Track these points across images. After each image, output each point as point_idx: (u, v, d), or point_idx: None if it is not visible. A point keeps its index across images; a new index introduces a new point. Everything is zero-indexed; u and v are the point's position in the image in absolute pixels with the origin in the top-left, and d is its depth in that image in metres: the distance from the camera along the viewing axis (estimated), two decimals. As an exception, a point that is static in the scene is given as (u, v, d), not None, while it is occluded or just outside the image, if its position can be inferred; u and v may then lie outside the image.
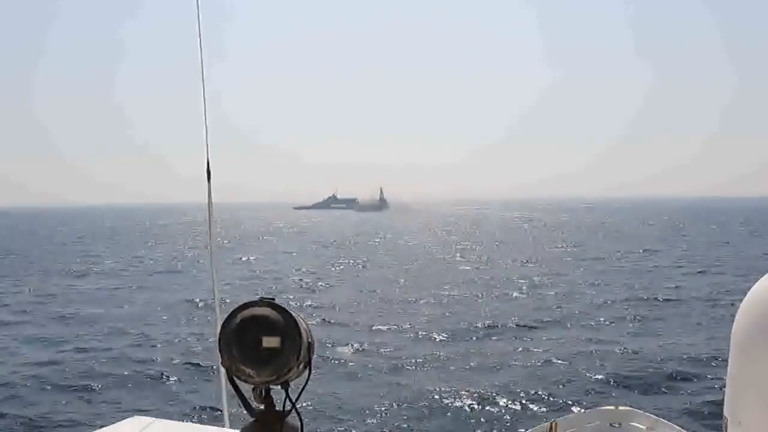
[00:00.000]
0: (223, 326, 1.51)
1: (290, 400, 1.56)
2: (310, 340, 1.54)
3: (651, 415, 3.17)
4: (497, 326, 19.41)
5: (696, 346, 17.19)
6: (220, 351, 1.50)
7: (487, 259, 39.81)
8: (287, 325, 1.49)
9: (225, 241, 58.85)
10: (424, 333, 18.55)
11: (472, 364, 15.39)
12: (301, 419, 1.59)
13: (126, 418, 2.48)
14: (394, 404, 12.48)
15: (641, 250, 43.50)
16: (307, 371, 1.56)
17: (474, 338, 18.12)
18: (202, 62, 1.60)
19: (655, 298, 24.34)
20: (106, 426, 2.40)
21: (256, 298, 1.53)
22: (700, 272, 31.99)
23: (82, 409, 12.26)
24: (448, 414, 12.23)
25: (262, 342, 1.47)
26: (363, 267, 37.10)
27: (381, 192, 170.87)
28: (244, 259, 42.35)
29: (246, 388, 1.57)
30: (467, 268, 35.99)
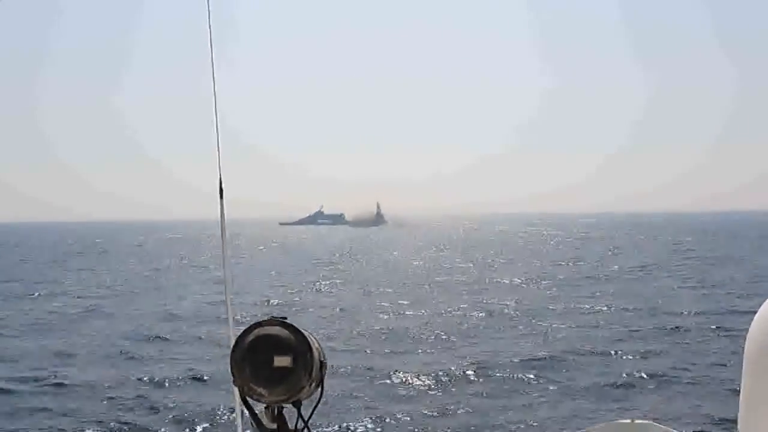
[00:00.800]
0: (235, 345, 1.58)
1: (302, 419, 1.63)
2: (322, 359, 1.61)
3: (669, 429, 3.22)
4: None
5: (709, 358, 17.70)
6: (232, 370, 1.58)
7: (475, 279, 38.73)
8: (299, 344, 1.56)
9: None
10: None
11: (481, 379, 15.67)
12: None
13: None
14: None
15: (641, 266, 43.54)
16: (319, 390, 1.62)
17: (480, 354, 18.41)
18: (214, 80, 1.66)
19: (670, 312, 24.70)
20: None
21: (267, 317, 1.60)
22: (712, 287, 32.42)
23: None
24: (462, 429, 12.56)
25: (274, 361, 1.54)
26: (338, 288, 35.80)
27: (378, 206, 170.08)
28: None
29: (258, 407, 1.63)
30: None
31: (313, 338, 1.60)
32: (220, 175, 1.75)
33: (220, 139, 1.75)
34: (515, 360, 17.05)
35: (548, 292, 31.50)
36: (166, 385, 15.25)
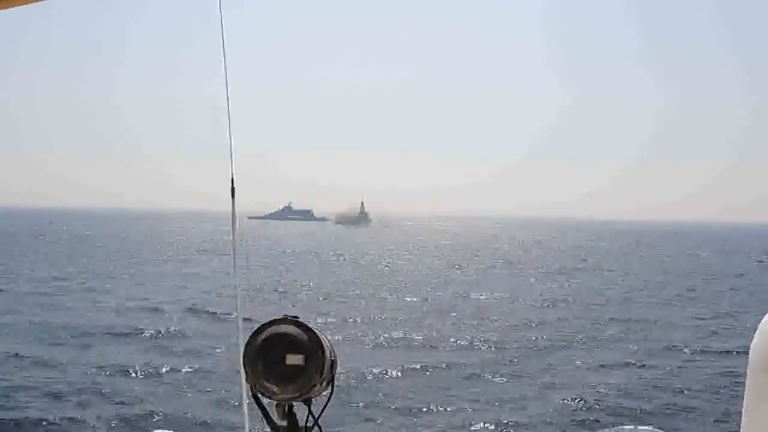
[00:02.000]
0: (248, 343, 1.67)
1: (313, 416, 1.72)
2: (333, 357, 1.70)
3: None
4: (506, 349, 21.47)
5: (714, 365, 19.09)
6: (244, 367, 1.66)
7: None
8: (311, 343, 1.65)
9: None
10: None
11: (480, 389, 16.86)
12: None
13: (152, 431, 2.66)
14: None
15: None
16: (330, 388, 1.71)
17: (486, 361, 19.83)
18: (227, 82, 1.75)
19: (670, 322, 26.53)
20: None
21: (281, 315, 1.70)
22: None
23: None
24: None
25: (286, 359, 1.63)
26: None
27: (362, 205, 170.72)
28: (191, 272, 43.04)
29: (269, 405, 1.72)
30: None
31: (324, 337, 1.69)
32: (232, 175, 1.86)
33: (233, 140, 1.88)
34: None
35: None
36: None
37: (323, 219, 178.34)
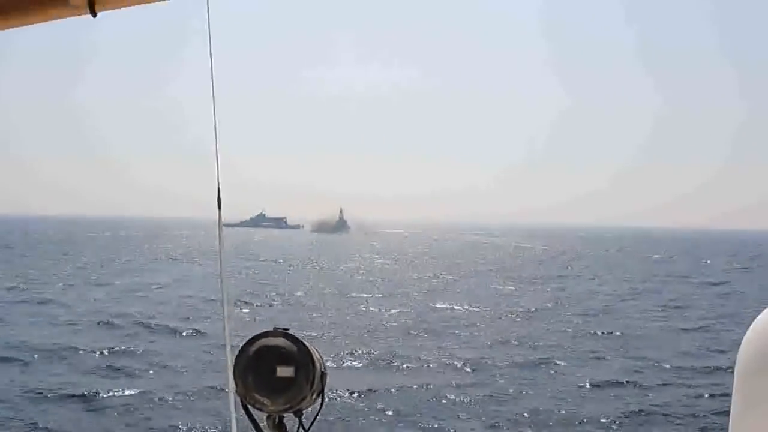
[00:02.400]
0: (238, 355, 1.72)
1: (304, 428, 1.78)
2: (323, 369, 1.75)
3: None
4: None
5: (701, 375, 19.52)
6: (234, 379, 1.71)
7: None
8: (301, 355, 1.70)
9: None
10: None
11: (482, 395, 17.27)
12: None
13: None
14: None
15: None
16: (320, 400, 1.76)
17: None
18: (213, 87, 1.77)
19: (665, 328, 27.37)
20: None
21: (270, 328, 1.74)
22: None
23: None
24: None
25: (276, 371, 1.69)
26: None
27: (341, 212, 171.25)
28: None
29: (259, 416, 1.76)
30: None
31: (313, 349, 1.75)
32: (218, 184, 1.86)
33: (218, 150, 1.88)
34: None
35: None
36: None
37: (297, 226, 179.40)
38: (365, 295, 37.22)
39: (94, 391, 16.63)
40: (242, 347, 1.73)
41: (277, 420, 1.76)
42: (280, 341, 1.72)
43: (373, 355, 21.44)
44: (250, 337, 1.73)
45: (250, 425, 1.78)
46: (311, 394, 1.73)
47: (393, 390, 17.34)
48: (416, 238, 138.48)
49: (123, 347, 21.63)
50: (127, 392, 16.70)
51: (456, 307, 33.03)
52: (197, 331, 24.53)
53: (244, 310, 29.96)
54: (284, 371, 1.69)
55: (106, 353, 20.88)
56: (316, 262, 63.67)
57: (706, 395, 17.27)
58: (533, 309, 32.51)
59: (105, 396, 16.35)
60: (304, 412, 1.76)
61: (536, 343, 23.87)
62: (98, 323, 26.03)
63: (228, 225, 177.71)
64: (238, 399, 1.74)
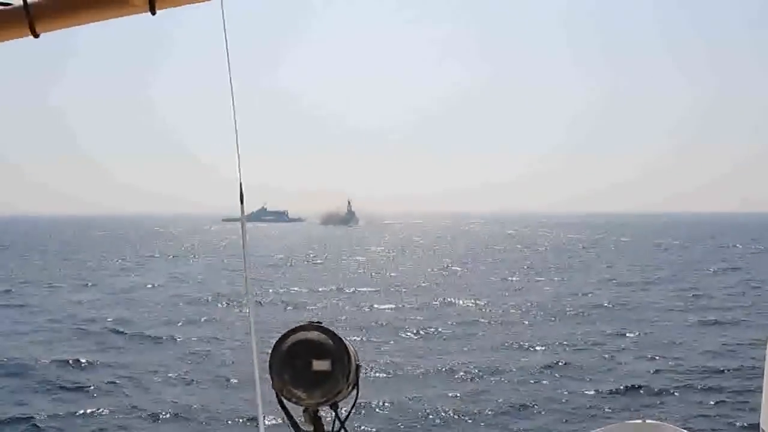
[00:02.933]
0: (274, 350, 1.81)
1: (340, 420, 1.87)
2: (357, 362, 1.85)
3: (680, 429, 3.56)
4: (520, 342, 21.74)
5: (730, 356, 19.38)
6: (270, 374, 1.80)
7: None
8: (336, 349, 1.78)
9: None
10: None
11: (494, 379, 17.38)
12: None
13: None
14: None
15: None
16: (355, 392, 1.86)
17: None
18: (231, 86, 1.79)
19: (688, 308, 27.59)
20: None
21: (305, 322, 1.82)
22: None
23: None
24: (472, 423, 13.98)
25: (312, 365, 1.77)
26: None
27: (349, 204, 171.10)
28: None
29: (295, 410, 1.85)
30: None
31: (348, 342, 1.82)
32: (240, 182, 1.91)
33: (239, 149, 1.93)
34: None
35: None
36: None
37: (299, 219, 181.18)
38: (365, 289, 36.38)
39: (27, 414, 14.71)
40: (277, 342, 1.81)
41: (313, 413, 1.84)
42: (315, 335, 1.80)
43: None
44: (284, 332, 1.82)
45: (286, 419, 1.85)
46: (347, 386, 1.81)
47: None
48: (425, 229, 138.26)
49: (85, 360, 19.59)
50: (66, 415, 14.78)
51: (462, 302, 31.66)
52: (172, 339, 23.05)
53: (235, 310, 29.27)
54: (320, 365, 1.77)
55: (67, 366, 19.05)
56: (315, 257, 63.24)
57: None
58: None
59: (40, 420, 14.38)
60: (339, 404, 1.84)
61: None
62: (70, 330, 24.71)
63: (229, 219, 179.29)
64: (273, 393, 1.83)
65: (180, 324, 25.97)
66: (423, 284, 39.33)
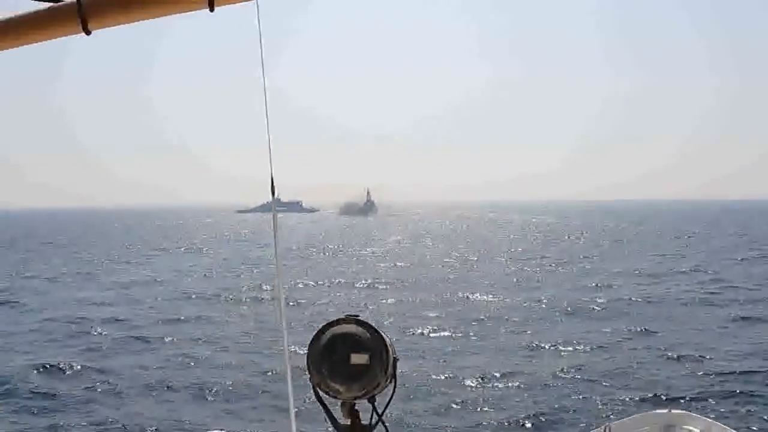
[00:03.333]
0: (312, 343, 1.83)
1: (378, 413, 1.89)
2: (395, 355, 1.87)
3: (705, 419, 3.58)
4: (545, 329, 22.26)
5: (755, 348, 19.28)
6: (308, 367, 1.82)
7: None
8: (374, 342, 1.81)
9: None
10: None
11: (524, 368, 17.60)
12: None
13: None
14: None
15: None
16: (392, 385, 1.88)
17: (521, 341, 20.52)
18: (264, 83, 1.82)
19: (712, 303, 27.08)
20: None
21: (342, 315, 1.85)
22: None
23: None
24: (503, 415, 14.10)
25: (350, 359, 1.79)
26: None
27: (368, 194, 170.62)
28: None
29: (331, 404, 1.87)
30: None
31: (385, 335, 1.84)
32: (271, 173, 1.93)
33: (270, 141, 1.95)
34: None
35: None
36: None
37: (311, 210, 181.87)
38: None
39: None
40: (315, 335, 1.84)
41: (350, 407, 1.86)
42: (353, 328, 1.82)
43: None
44: (321, 326, 1.85)
45: (323, 412, 1.87)
46: (385, 380, 1.83)
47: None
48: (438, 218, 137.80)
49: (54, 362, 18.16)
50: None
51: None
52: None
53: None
54: (358, 358, 1.79)
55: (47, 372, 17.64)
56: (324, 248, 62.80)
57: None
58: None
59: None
60: (376, 398, 1.86)
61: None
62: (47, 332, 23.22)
63: (243, 211, 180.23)
64: (311, 387, 1.85)
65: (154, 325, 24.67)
66: (436, 277, 38.23)
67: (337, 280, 36.78)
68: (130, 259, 52.16)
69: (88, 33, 1.46)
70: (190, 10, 1.47)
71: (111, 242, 73.14)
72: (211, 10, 1.44)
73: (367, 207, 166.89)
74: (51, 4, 1.48)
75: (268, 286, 33.02)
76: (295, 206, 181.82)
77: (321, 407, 1.88)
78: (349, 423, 1.88)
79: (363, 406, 1.89)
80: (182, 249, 63.76)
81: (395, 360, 1.86)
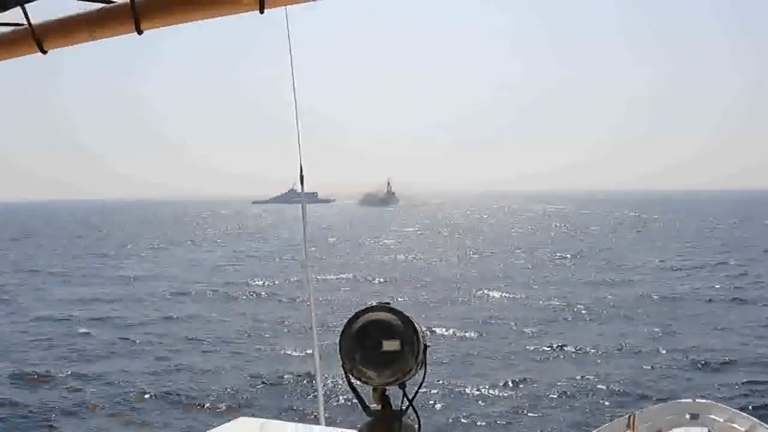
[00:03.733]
0: (344, 330, 1.88)
1: (408, 399, 1.94)
2: (425, 342, 1.92)
3: (729, 408, 3.63)
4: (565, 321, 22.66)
5: None
6: (340, 354, 1.87)
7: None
8: (406, 328, 1.86)
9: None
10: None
11: (550, 357, 18.14)
12: (418, 417, 1.98)
13: (234, 419, 2.88)
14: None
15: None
16: (422, 372, 1.93)
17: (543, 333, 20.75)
18: (293, 80, 1.84)
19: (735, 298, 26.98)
20: (215, 427, 2.84)
21: (374, 303, 1.91)
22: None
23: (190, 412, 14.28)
24: (529, 405, 14.34)
25: (382, 345, 1.84)
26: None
27: (389, 185, 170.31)
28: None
29: (362, 389, 1.94)
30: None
31: (416, 322, 1.89)
32: (300, 165, 1.99)
33: (300, 135, 1.99)
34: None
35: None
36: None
37: (327, 201, 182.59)
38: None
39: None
40: (347, 323, 1.89)
41: (381, 392, 1.94)
42: (384, 315, 1.88)
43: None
44: (354, 313, 1.90)
45: (355, 398, 1.94)
46: (416, 366, 1.88)
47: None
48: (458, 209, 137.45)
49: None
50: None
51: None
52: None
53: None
54: (390, 345, 1.84)
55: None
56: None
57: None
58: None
59: None
60: (407, 383, 1.92)
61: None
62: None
63: (259, 201, 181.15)
64: (342, 373, 1.91)
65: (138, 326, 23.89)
66: (449, 272, 36.87)
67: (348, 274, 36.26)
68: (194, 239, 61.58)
69: (140, 33, 1.51)
70: (241, 12, 1.51)
71: (162, 227, 79.61)
72: (261, 11, 1.48)
73: (387, 198, 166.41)
74: (103, 5, 1.53)
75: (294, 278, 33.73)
76: (311, 197, 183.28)
77: (352, 392, 1.95)
78: (380, 408, 1.95)
79: (393, 392, 1.95)
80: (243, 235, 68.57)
81: (426, 347, 1.91)
